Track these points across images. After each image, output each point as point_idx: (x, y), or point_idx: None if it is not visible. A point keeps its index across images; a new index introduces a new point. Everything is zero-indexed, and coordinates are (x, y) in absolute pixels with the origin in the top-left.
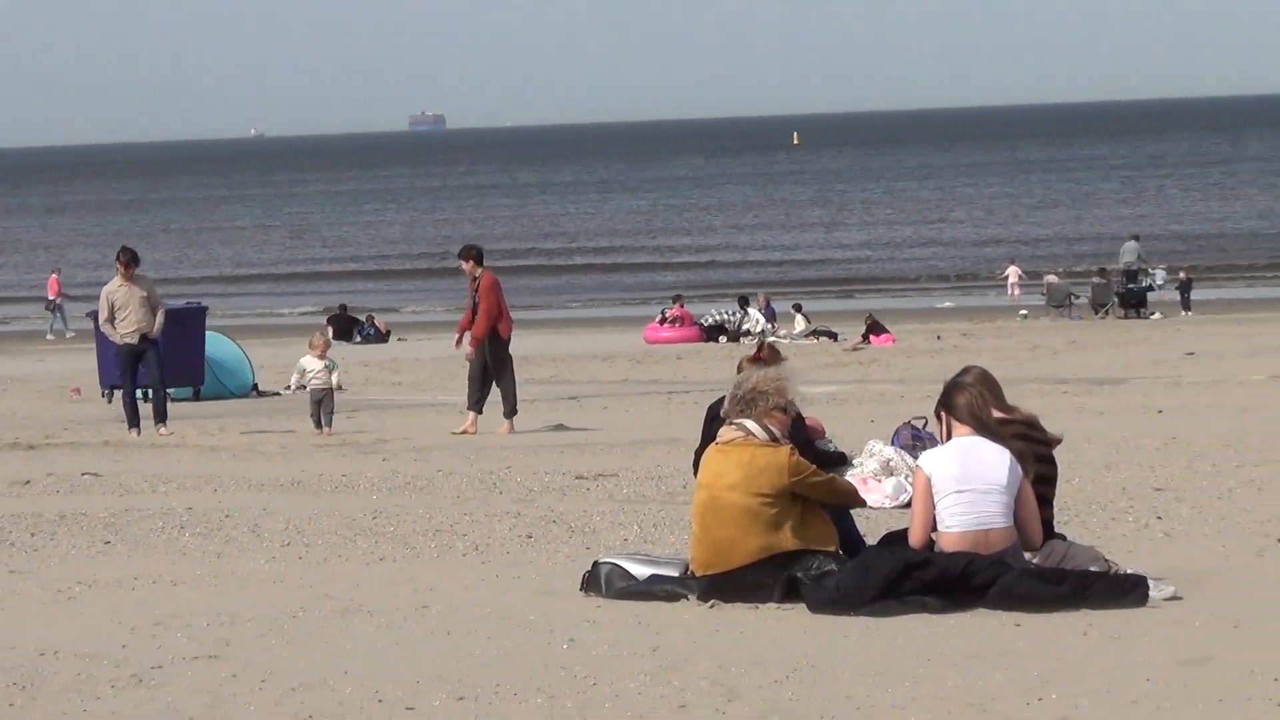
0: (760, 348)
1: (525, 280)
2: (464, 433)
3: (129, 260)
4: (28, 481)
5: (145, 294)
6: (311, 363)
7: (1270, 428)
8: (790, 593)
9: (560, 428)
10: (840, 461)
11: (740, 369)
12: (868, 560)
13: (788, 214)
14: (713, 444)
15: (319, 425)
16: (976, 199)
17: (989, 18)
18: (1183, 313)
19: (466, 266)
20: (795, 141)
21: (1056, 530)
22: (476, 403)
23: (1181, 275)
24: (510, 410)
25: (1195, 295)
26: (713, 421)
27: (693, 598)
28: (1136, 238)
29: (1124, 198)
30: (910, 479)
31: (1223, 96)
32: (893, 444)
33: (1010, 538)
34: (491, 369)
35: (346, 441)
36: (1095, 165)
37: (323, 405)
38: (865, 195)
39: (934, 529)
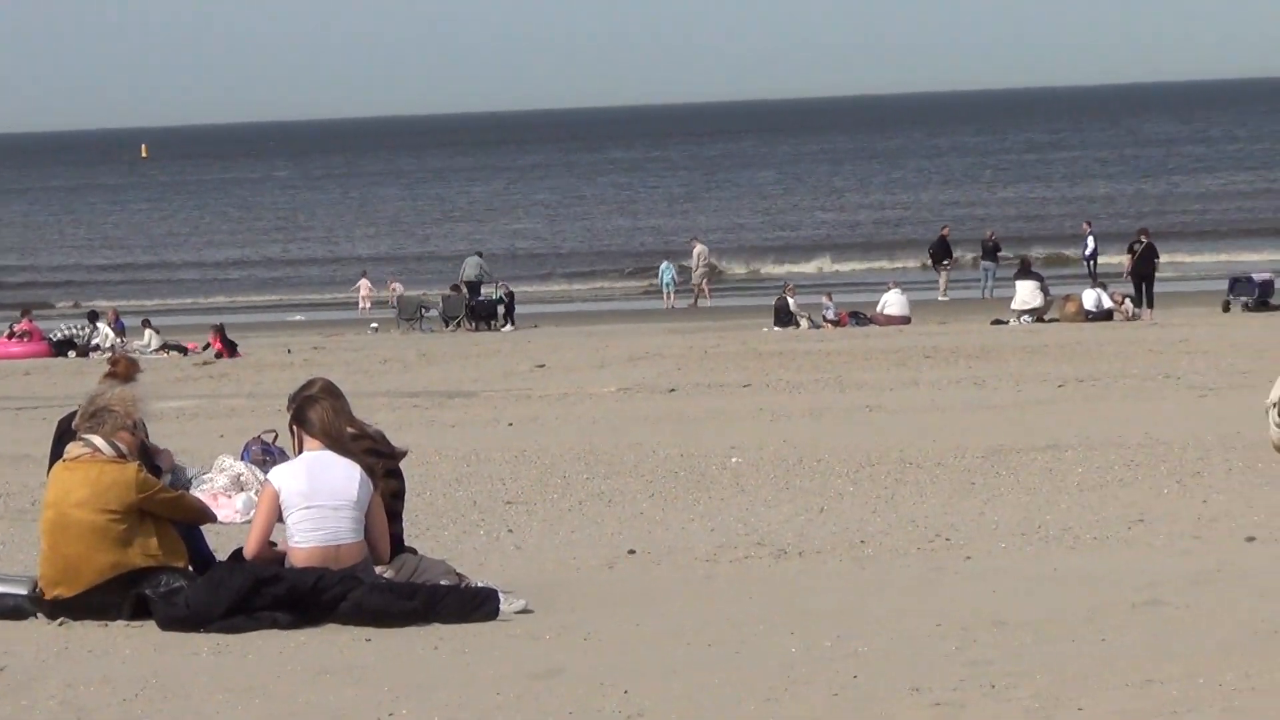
0: (115, 362)
1: None
2: None
3: None
4: None
5: None
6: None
7: (619, 439)
8: (140, 610)
9: None
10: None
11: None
12: (217, 576)
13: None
14: (60, 461)
15: None
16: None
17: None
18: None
19: None
20: (144, 154)
21: (408, 544)
22: None
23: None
24: None
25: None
26: (61, 438)
27: (41, 615)
28: (480, 253)
29: (454, 213)
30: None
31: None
32: (243, 459)
33: (361, 552)
34: None
35: None
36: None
37: None
38: (222, 205)
39: (282, 543)
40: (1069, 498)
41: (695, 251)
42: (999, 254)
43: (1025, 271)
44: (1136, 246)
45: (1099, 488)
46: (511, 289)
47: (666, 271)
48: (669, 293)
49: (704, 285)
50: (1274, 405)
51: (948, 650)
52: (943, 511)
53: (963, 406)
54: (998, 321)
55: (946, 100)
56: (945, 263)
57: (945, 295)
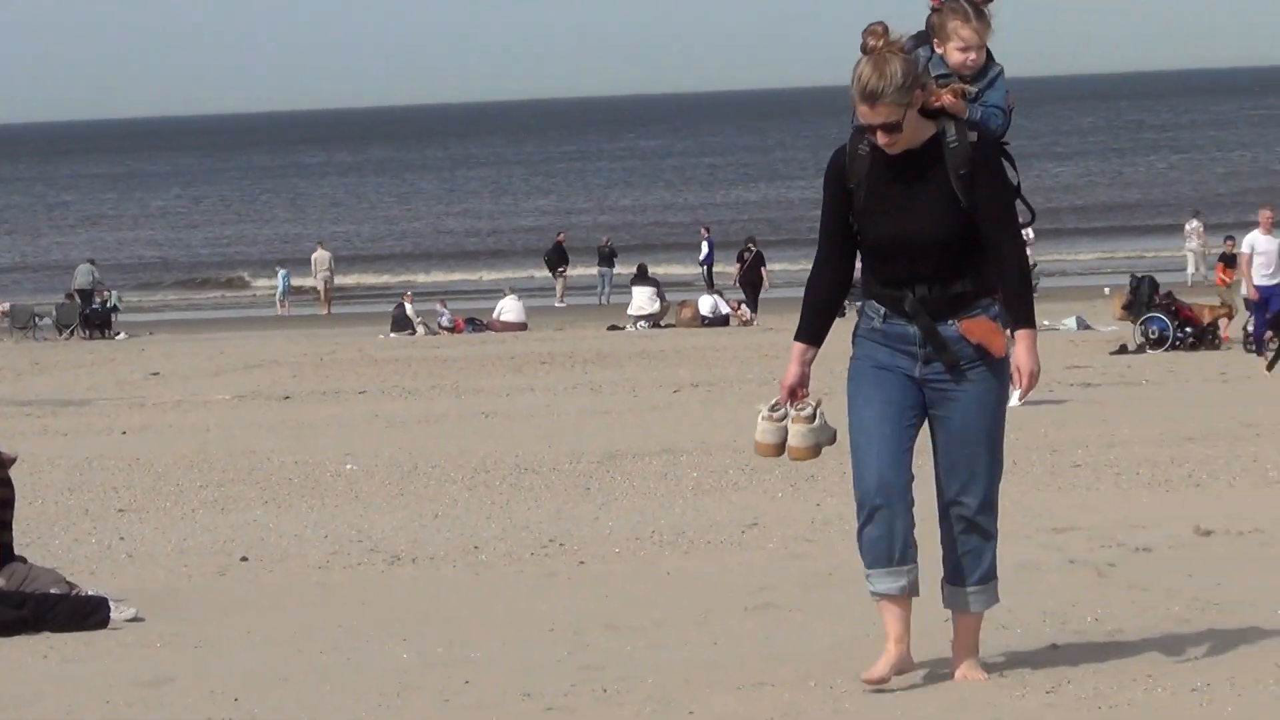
0: None
1: None
2: None
3: None
4: None
5: None
6: None
7: (232, 446)
8: None
9: None
10: None
11: None
12: None
13: None
14: None
15: None
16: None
17: None
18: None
19: None
20: None
21: (17, 553)
22: None
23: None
24: None
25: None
26: None
27: None
28: (93, 261)
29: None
30: None
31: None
32: None
33: None
34: None
35: None
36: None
37: None
38: None
39: None
40: (684, 502)
41: (315, 258)
42: (615, 259)
43: (642, 277)
44: (745, 255)
45: (714, 492)
46: (120, 295)
47: (284, 279)
48: (283, 300)
49: (326, 292)
50: (768, 404)
51: (560, 655)
52: (557, 517)
53: (579, 412)
54: (614, 327)
55: (582, 106)
56: (561, 269)
57: (562, 301)
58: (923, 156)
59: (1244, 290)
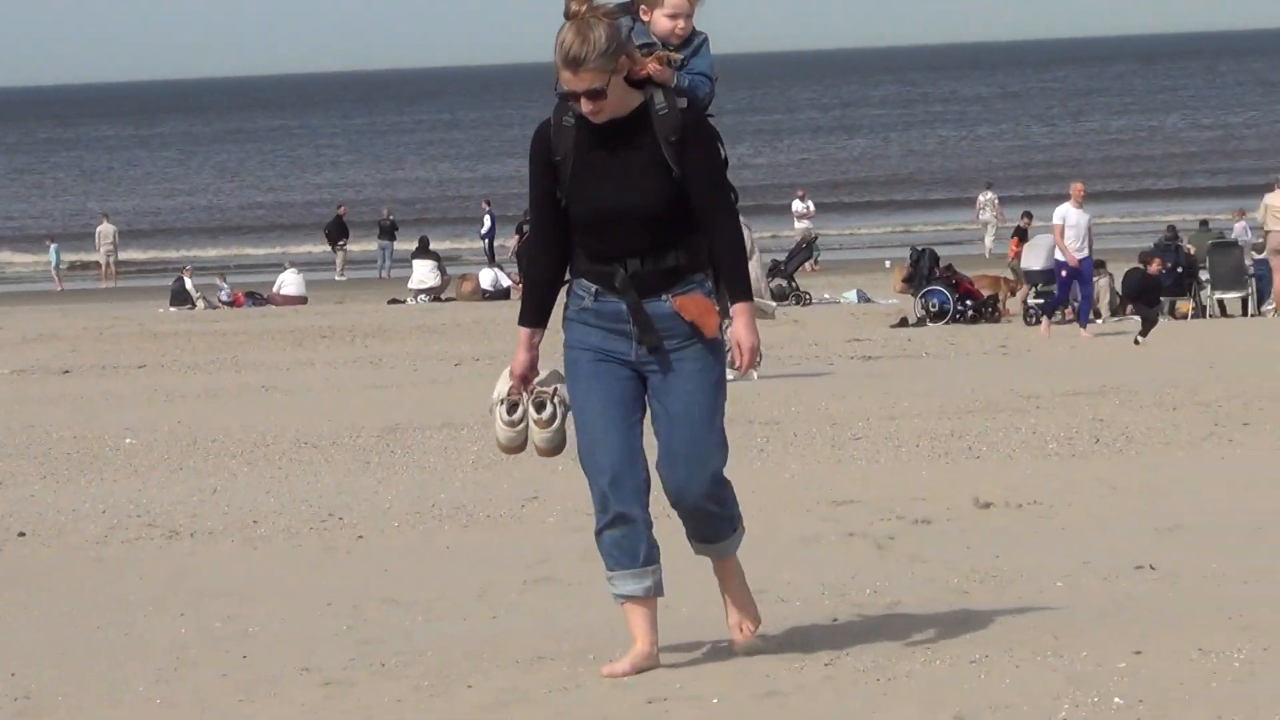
0: None
1: None
2: None
3: None
4: None
5: None
6: None
7: (11, 421)
8: None
9: None
10: None
11: None
12: None
13: None
14: None
15: None
16: None
17: None
18: None
19: None
20: None
21: None
22: None
23: None
24: None
25: None
26: None
27: None
28: None
29: None
30: None
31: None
32: None
33: None
34: None
35: None
36: None
37: None
38: None
39: None
40: (464, 475)
41: (99, 231)
42: (396, 233)
43: (423, 251)
44: (525, 227)
45: (493, 465)
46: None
47: (55, 253)
48: (58, 274)
49: (110, 265)
50: (500, 401)
51: (339, 629)
52: (337, 491)
53: (359, 386)
54: (395, 301)
55: (369, 80)
56: (342, 243)
57: (343, 275)
58: (631, 126)
59: (1036, 263)
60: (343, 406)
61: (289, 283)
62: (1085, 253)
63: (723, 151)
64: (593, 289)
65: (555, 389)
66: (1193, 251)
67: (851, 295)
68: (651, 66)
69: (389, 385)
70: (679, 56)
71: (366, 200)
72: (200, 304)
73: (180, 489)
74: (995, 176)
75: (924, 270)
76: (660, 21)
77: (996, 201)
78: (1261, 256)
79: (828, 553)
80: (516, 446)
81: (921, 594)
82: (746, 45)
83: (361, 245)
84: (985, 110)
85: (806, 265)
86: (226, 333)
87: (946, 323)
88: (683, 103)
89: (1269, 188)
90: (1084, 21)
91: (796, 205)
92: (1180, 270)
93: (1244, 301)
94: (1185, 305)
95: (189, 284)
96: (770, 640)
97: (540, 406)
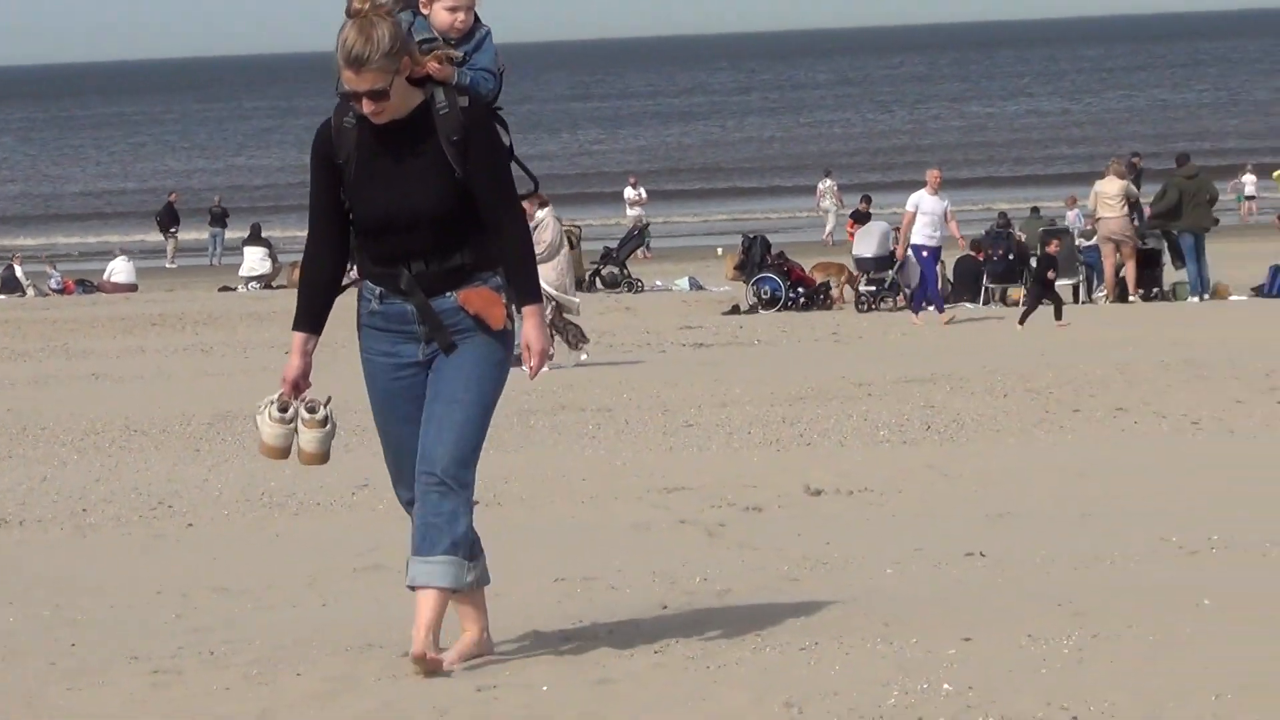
0: None
1: None
2: None
3: None
4: None
5: None
6: None
7: None
8: None
9: None
10: None
11: None
12: None
13: None
14: None
15: None
16: None
17: None
18: None
19: None
20: None
21: None
22: None
23: None
24: None
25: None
26: None
27: None
28: None
29: None
30: None
31: None
32: None
33: None
34: None
35: None
36: None
37: None
38: None
39: None
40: (294, 463)
41: None
42: (227, 220)
43: (254, 238)
44: None
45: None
46: None
47: None
48: None
49: None
50: (270, 402)
51: (168, 618)
52: (167, 479)
53: (190, 373)
54: (226, 288)
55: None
56: (173, 230)
57: (173, 262)
58: (412, 126)
59: (868, 250)
60: (173, 394)
61: (119, 270)
62: (938, 240)
63: (508, 139)
64: (378, 291)
65: (329, 398)
66: (1024, 239)
67: (684, 282)
68: (431, 65)
69: (220, 373)
70: (459, 54)
71: (196, 188)
72: (30, 291)
73: (9, 477)
74: (835, 164)
75: (756, 258)
76: (440, 15)
77: (836, 189)
78: (1091, 243)
79: (659, 540)
80: (282, 448)
81: (752, 581)
82: (580, 32)
83: (192, 234)
84: (825, 96)
85: (638, 252)
86: (57, 320)
87: (778, 310)
88: (464, 101)
89: (1101, 175)
90: (925, 9)
91: (628, 192)
92: (1012, 257)
93: (1075, 289)
94: (1016, 292)
95: (19, 271)
96: (600, 628)
97: (313, 409)
